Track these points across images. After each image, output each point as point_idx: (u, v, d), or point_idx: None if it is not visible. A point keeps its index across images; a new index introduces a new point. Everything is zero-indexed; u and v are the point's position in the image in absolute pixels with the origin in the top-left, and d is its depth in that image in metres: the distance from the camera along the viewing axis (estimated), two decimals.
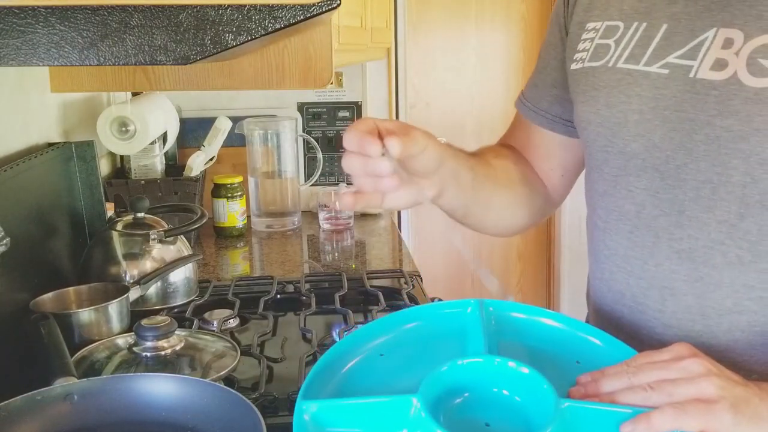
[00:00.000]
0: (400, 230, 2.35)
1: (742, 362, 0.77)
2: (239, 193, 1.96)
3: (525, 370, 0.70)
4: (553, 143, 0.99)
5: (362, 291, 1.42)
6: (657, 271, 0.80)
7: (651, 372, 0.69)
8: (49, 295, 1.12)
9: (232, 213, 1.95)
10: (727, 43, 0.73)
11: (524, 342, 0.79)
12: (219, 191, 1.95)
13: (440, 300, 1.20)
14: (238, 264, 1.84)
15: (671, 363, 0.69)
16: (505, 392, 0.71)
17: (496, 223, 1.00)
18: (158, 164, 1.88)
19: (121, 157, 1.91)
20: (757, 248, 0.74)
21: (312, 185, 2.17)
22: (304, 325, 1.20)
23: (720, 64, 0.74)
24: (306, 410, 0.67)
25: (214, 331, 1.16)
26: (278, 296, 1.37)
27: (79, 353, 0.98)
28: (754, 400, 0.67)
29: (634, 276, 0.83)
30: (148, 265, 1.24)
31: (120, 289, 1.15)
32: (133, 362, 0.96)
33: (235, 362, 0.99)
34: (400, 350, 0.79)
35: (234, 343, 1.05)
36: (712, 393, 0.66)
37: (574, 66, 0.90)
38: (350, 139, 0.73)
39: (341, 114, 2.25)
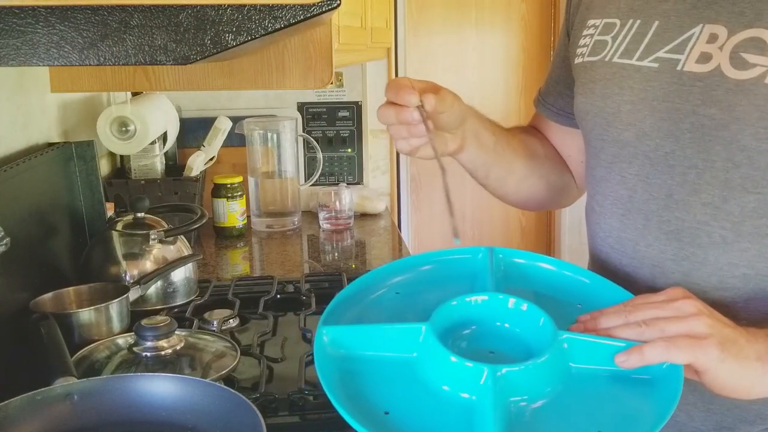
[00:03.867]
0: (400, 230, 2.35)
1: None
2: (239, 193, 1.96)
3: (524, 306, 0.78)
4: (566, 133, 1.06)
5: None
6: (647, 251, 0.85)
7: (646, 311, 0.74)
8: (49, 295, 1.12)
9: (232, 213, 1.95)
10: (712, 38, 0.78)
11: (530, 285, 0.86)
12: (219, 191, 1.95)
13: None
14: (238, 264, 1.84)
15: (665, 303, 0.74)
16: (506, 326, 0.78)
17: (516, 189, 1.07)
18: (158, 164, 1.88)
19: (121, 157, 1.91)
20: (740, 229, 0.78)
21: (312, 185, 2.17)
22: (304, 325, 1.20)
23: (705, 58, 0.78)
24: (325, 333, 0.75)
25: (214, 331, 1.16)
26: (278, 296, 1.37)
27: (79, 353, 0.98)
28: (741, 340, 0.71)
29: (626, 256, 0.88)
30: (148, 265, 1.24)
31: (120, 289, 1.15)
32: (133, 362, 0.96)
33: (235, 362, 0.99)
34: (415, 289, 0.87)
35: (234, 343, 1.05)
36: (702, 330, 0.70)
37: (576, 61, 0.96)
38: (390, 89, 0.86)
39: (341, 114, 2.25)
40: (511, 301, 0.78)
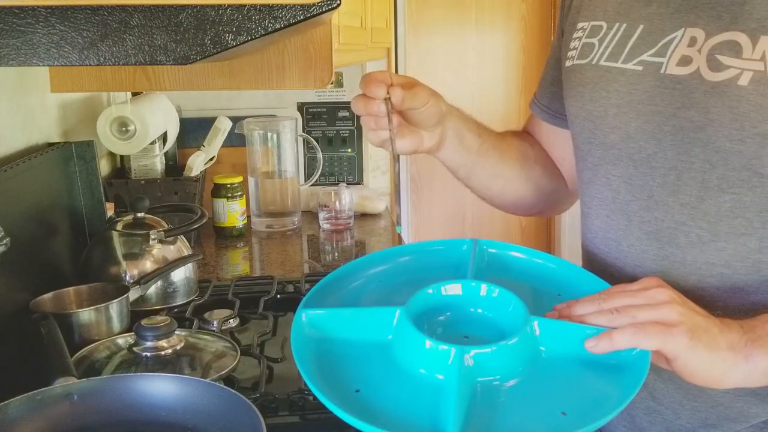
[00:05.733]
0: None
1: None
2: (239, 193, 1.96)
3: (496, 292, 0.80)
4: (560, 136, 1.06)
5: None
6: (630, 251, 0.86)
7: (620, 299, 0.75)
8: (49, 295, 1.12)
9: (232, 213, 1.95)
10: (692, 42, 0.79)
11: (511, 275, 0.87)
12: (219, 191, 1.95)
13: None
14: (238, 264, 1.84)
15: (639, 292, 0.75)
16: (480, 311, 0.80)
17: (501, 192, 1.07)
18: (158, 164, 1.88)
19: (121, 157, 1.91)
20: (716, 228, 0.79)
21: (312, 185, 2.17)
22: None
23: (685, 61, 0.80)
24: (304, 315, 0.79)
25: (214, 331, 1.16)
26: (278, 296, 1.37)
27: (79, 353, 0.98)
28: (714, 330, 0.72)
29: (610, 256, 0.89)
30: (148, 265, 1.24)
31: (120, 289, 1.15)
32: (133, 362, 0.96)
33: (235, 362, 0.99)
34: (398, 278, 0.89)
35: (234, 343, 1.05)
36: (673, 318, 0.71)
37: (567, 64, 0.96)
38: (363, 81, 0.87)
39: (341, 114, 2.25)
40: (484, 288, 0.80)
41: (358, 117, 0.92)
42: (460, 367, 0.69)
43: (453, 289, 0.81)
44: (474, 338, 0.77)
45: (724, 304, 0.80)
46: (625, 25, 0.87)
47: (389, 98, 0.86)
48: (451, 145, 0.96)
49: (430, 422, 0.66)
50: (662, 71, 0.82)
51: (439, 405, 0.67)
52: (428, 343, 0.72)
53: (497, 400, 0.69)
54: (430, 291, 0.80)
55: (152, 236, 1.25)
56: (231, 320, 1.25)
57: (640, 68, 0.84)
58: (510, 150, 1.04)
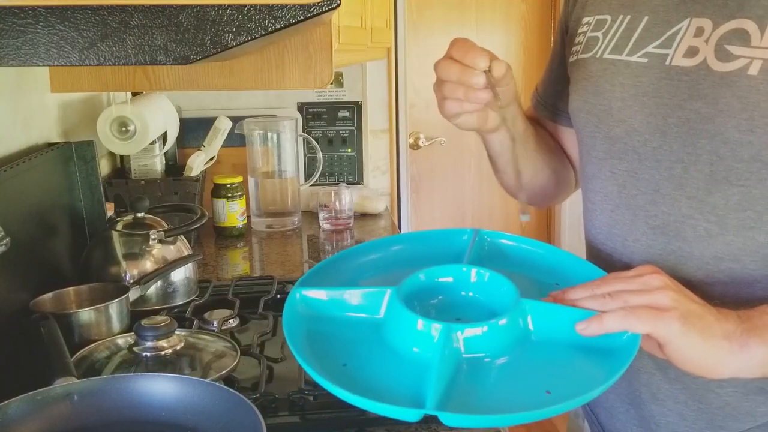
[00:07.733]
0: (400, 230, 2.35)
1: None
2: (239, 193, 1.96)
3: (486, 276, 0.81)
4: (564, 133, 1.05)
5: None
6: (635, 246, 0.86)
7: (613, 284, 0.75)
8: (49, 295, 1.12)
9: (232, 213, 1.95)
10: (699, 32, 0.78)
11: (510, 265, 0.88)
12: (219, 191, 1.95)
13: None
14: (238, 264, 1.84)
15: (633, 278, 0.75)
16: (471, 294, 0.82)
17: (530, 180, 1.05)
18: (158, 164, 1.88)
19: (121, 157, 1.91)
20: (724, 221, 0.78)
21: (312, 185, 2.17)
22: None
23: (692, 52, 0.79)
24: (299, 293, 0.81)
25: (214, 331, 1.16)
26: (278, 296, 1.36)
27: (79, 353, 0.98)
28: (709, 318, 0.71)
29: (616, 252, 0.88)
30: (148, 265, 1.24)
31: (120, 289, 1.15)
32: (133, 362, 0.96)
33: (235, 362, 0.99)
34: (395, 264, 0.89)
35: (234, 343, 1.05)
36: (665, 303, 0.71)
37: (571, 59, 0.96)
38: (459, 48, 0.81)
39: (341, 114, 2.25)
40: (474, 272, 0.81)
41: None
42: (445, 344, 0.70)
43: (444, 274, 0.82)
44: (466, 320, 0.77)
45: (732, 298, 0.79)
46: (629, 16, 0.86)
47: (490, 71, 0.80)
48: (506, 128, 0.94)
49: (412, 393, 0.67)
50: (668, 63, 0.81)
51: (423, 378, 0.68)
52: (420, 322, 0.73)
53: (482, 376, 0.70)
54: (422, 276, 0.81)
55: (152, 236, 1.25)
56: (231, 320, 1.25)
57: (644, 60, 0.83)
58: (540, 139, 1.04)
